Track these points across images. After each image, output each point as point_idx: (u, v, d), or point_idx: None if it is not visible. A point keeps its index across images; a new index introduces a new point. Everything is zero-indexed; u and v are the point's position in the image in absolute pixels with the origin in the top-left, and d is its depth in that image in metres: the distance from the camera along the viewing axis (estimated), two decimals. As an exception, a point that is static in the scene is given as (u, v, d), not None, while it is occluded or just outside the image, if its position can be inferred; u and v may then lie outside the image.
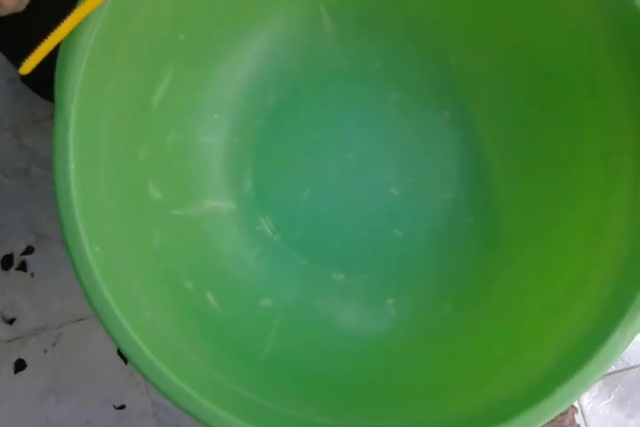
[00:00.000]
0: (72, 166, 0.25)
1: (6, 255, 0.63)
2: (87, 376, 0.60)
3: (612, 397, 0.60)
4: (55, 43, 0.23)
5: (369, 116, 0.36)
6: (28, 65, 0.23)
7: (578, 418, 0.58)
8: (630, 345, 0.54)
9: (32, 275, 0.61)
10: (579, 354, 0.24)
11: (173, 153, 0.33)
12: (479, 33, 0.33)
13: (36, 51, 0.23)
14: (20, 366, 0.61)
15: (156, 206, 0.32)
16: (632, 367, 0.61)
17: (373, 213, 0.36)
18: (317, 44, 0.35)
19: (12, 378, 0.61)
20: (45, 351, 0.61)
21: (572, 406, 0.53)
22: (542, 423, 0.24)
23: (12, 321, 0.63)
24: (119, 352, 0.59)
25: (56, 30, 0.23)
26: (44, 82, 0.27)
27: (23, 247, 0.61)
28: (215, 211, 0.35)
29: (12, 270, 0.62)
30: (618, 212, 0.28)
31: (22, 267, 0.62)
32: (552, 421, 0.51)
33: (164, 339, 0.26)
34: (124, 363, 0.60)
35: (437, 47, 0.34)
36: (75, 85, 0.25)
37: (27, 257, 0.62)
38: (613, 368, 0.59)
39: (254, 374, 0.28)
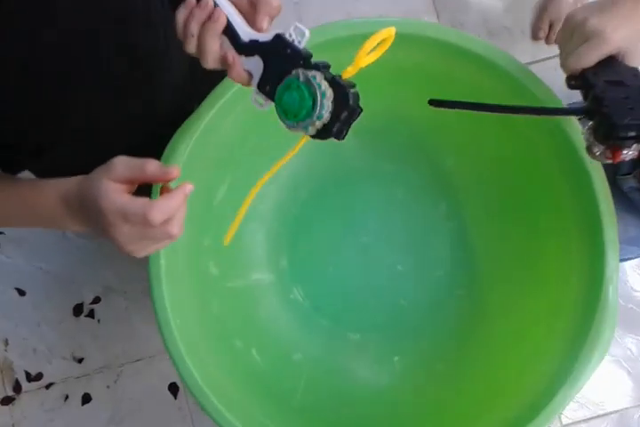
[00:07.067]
0: (163, 262, 0.35)
1: (77, 304, 0.73)
2: (142, 409, 0.69)
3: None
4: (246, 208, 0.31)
5: (380, 209, 0.45)
6: (229, 237, 0.31)
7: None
8: (606, 391, 0.60)
9: (99, 321, 0.71)
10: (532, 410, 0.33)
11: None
12: (472, 141, 0.42)
13: (233, 223, 0.31)
14: (86, 399, 0.71)
15: (215, 281, 0.42)
16: (611, 413, 0.67)
17: (383, 286, 0.45)
18: (340, 150, 0.45)
19: (79, 409, 0.71)
20: (108, 387, 0.70)
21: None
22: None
23: (80, 360, 0.73)
24: (170, 388, 0.69)
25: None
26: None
27: (92, 298, 0.71)
28: (258, 282, 0.44)
29: (81, 317, 0.73)
30: (569, 297, 0.36)
31: (90, 314, 0.72)
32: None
33: (223, 387, 0.36)
34: (173, 398, 0.70)
35: (436, 152, 0.44)
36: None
37: (94, 306, 0.72)
38: (594, 414, 0.65)
39: (290, 417, 0.37)
